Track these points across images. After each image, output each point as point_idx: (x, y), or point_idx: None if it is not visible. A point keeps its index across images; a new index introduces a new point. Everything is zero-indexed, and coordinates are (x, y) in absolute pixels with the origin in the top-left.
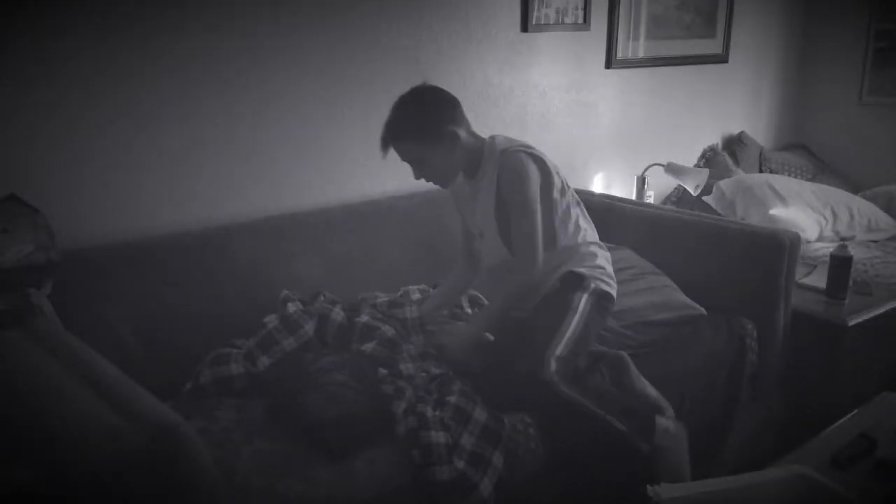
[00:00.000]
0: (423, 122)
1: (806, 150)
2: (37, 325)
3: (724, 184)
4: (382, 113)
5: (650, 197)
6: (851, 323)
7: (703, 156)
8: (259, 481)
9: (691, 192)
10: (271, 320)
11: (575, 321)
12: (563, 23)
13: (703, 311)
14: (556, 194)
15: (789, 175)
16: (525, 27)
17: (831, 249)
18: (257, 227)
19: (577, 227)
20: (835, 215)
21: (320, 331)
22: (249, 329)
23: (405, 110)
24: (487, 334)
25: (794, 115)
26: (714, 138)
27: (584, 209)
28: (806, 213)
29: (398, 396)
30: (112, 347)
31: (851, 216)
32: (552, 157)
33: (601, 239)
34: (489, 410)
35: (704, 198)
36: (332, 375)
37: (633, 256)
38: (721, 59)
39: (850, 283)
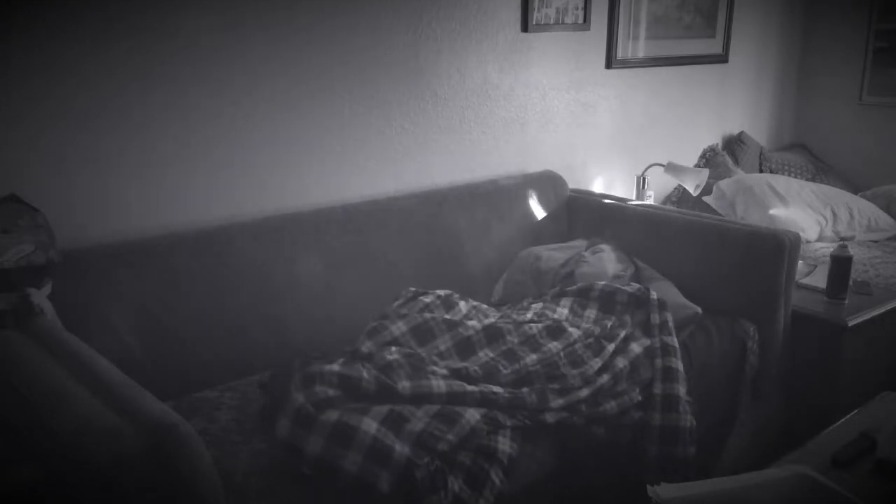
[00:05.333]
0: None
1: (806, 150)
2: (37, 325)
3: (724, 184)
4: (383, 112)
5: (650, 197)
6: (851, 323)
7: (703, 156)
8: (258, 482)
9: (691, 192)
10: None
11: None
12: (563, 23)
13: (698, 309)
14: None
15: (789, 175)
16: (525, 27)
17: (831, 249)
18: (257, 227)
19: None
20: (835, 215)
21: None
22: (249, 329)
23: None
24: None
25: (794, 115)
26: (714, 138)
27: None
28: (806, 213)
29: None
30: (112, 347)
31: (851, 216)
32: (552, 157)
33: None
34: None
35: (704, 198)
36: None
37: (640, 263)
38: (721, 59)
39: (850, 283)
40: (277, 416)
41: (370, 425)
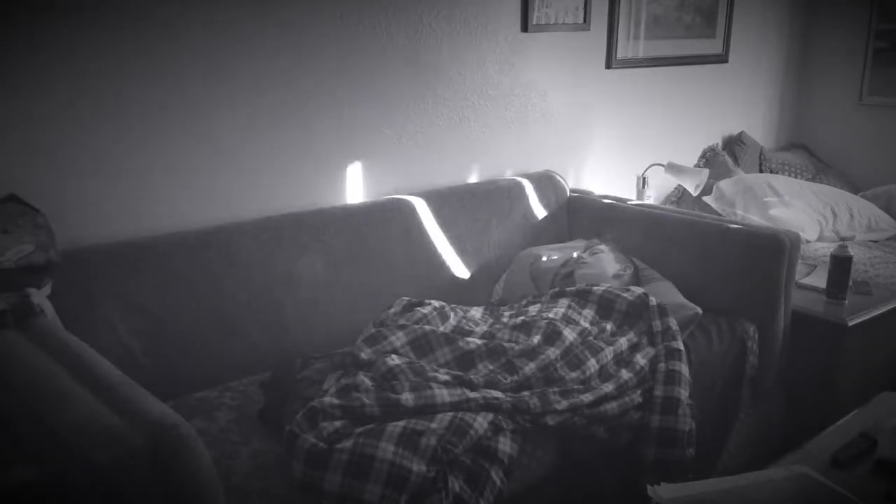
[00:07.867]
0: None
1: (806, 150)
2: (37, 325)
3: (724, 184)
4: (383, 113)
5: (650, 197)
6: (851, 323)
7: (703, 156)
8: (257, 482)
9: (691, 192)
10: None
11: None
12: (563, 23)
13: (698, 309)
14: None
15: (789, 175)
16: (525, 27)
17: (831, 249)
18: (257, 227)
19: None
20: (835, 215)
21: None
22: (249, 329)
23: None
24: None
25: (794, 115)
26: (714, 138)
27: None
28: (806, 213)
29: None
30: (112, 347)
31: (851, 216)
32: (552, 158)
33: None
34: (489, 421)
35: (704, 198)
36: (314, 388)
37: (640, 263)
38: (721, 59)
39: (850, 283)
40: (289, 460)
41: (386, 450)
